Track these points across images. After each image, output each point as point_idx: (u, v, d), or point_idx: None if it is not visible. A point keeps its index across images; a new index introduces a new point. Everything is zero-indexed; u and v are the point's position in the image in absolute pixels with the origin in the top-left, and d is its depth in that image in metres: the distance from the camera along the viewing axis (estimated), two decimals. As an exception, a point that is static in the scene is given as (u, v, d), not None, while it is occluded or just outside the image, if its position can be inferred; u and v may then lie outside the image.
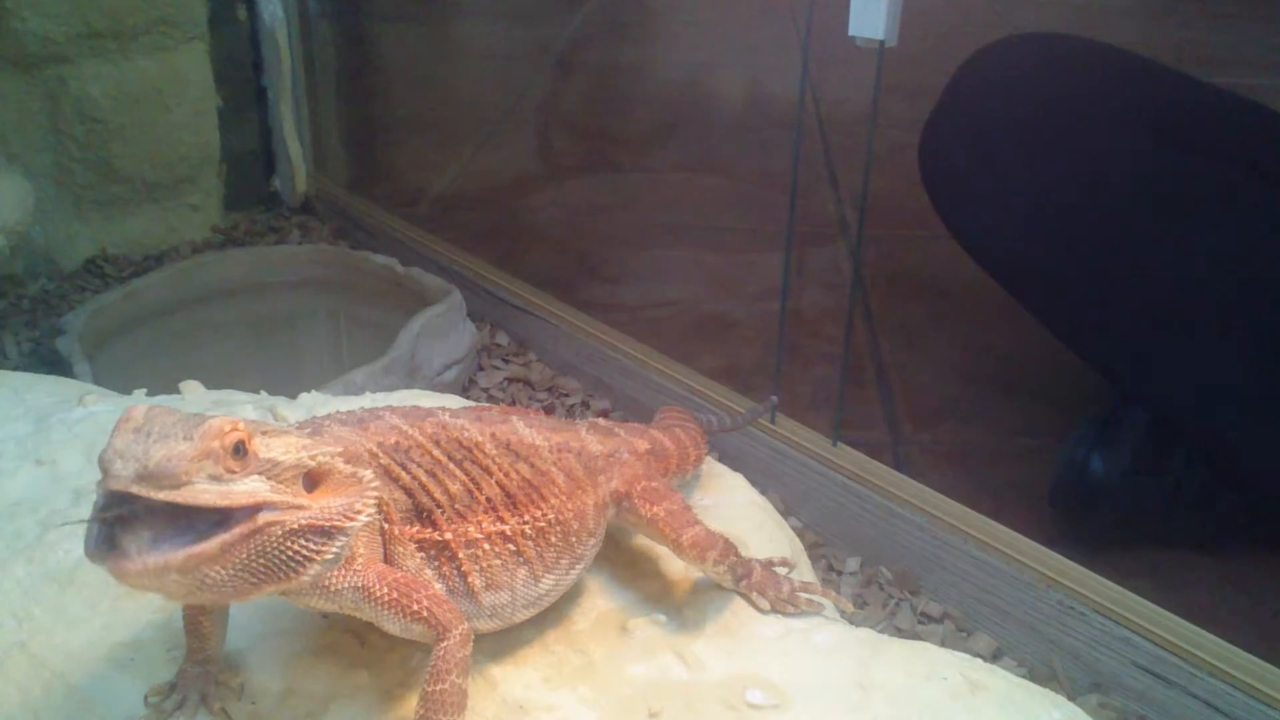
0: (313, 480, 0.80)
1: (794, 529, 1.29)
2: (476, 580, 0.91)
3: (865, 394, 2.27)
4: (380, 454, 0.88)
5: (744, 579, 1.06)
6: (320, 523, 0.78)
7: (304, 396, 1.39)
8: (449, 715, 0.83)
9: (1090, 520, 1.82)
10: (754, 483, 1.31)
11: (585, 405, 2.26)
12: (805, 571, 1.19)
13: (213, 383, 1.42)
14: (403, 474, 0.89)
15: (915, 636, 1.60)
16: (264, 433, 0.78)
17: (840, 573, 1.79)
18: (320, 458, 0.80)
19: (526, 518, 0.95)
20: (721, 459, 1.43)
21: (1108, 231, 1.81)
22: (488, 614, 0.93)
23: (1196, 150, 1.85)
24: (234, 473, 0.74)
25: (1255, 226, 1.79)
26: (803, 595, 1.07)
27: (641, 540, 1.11)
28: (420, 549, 0.89)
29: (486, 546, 0.92)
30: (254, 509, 0.74)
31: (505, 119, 3.91)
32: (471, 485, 0.92)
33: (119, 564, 0.70)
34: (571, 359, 2.34)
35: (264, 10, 2.90)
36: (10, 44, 2.47)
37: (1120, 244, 1.80)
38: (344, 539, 0.80)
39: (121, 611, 0.99)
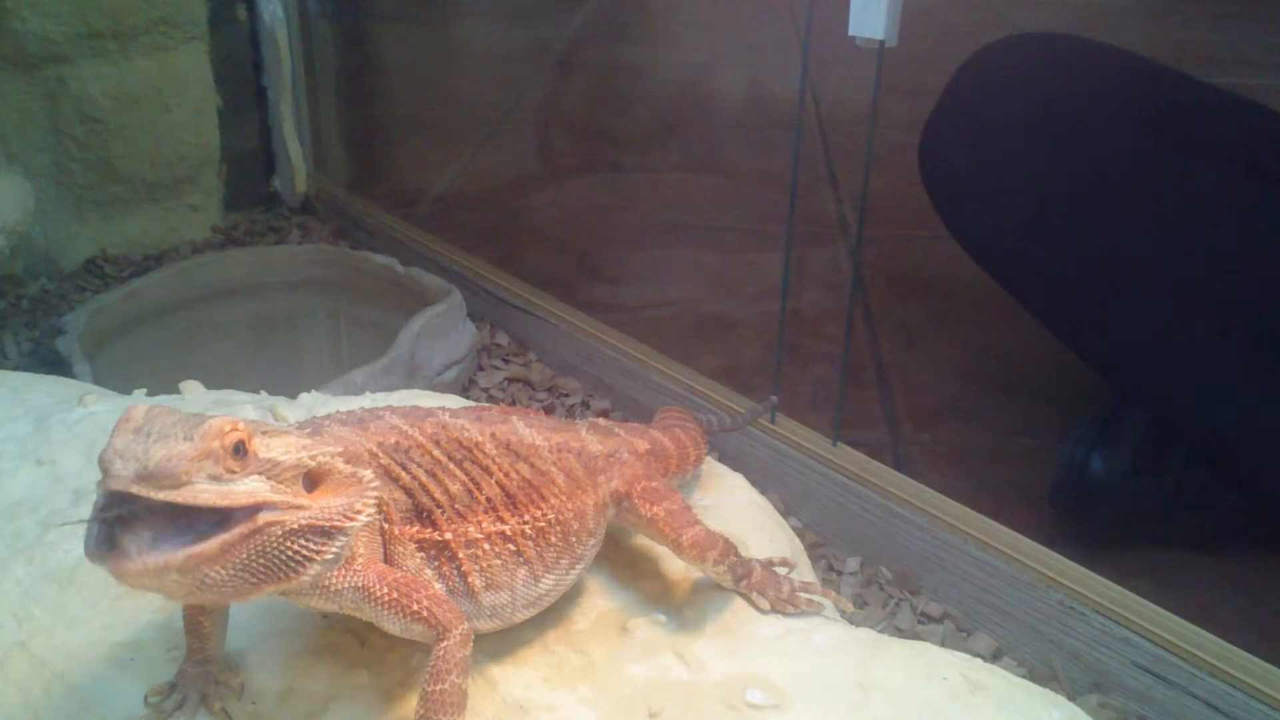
0: (313, 480, 0.80)
1: (794, 529, 1.29)
2: (476, 580, 0.91)
3: (865, 394, 2.27)
4: (380, 454, 0.88)
5: (744, 579, 1.06)
6: (320, 523, 0.78)
7: (304, 396, 1.39)
8: (449, 715, 0.83)
9: (1090, 520, 1.82)
10: (754, 483, 1.31)
11: (585, 405, 2.26)
12: (805, 571, 1.19)
13: (213, 383, 1.42)
14: (403, 474, 0.89)
15: (915, 636, 1.60)
16: (264, 433, 0.78)
17: (840, 573, 1.79)
18: (320, 458, 0.80)
19: (526, 518, 0.95)
20: (721, 459, 1.43)
21: (1108, 232, 1.81)
22: (488, 614, 0.93)
23: (1196, 150, 1.85)
24: (234, 473, 0.74)
25: (1255, 226, 1.79)
26: (803, 595, 1.07)
27: (641, 540, 1.11)
28: (420, 549, 0.89)
29: (486, 546, 0.92)
30: (254, 509, 0.74)
31: (505, 119, 3.91)
32: (471, 485, 0.92)
33: (119, 564, 0.70)
34: (571, 359, 2.34)
35: (264, 10, 2.90)
36: (10, 44, 2.47)
37: (1120, 244, 1.80)
38: (344, 539, 0.80)
39: (121, 611, 0.99)
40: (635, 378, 2.20)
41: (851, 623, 1.10)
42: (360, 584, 0.83)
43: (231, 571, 0.74)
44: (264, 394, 1.40)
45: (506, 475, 0.95)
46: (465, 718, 0.85)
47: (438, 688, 0.83)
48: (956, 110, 2.00)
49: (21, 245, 2.46)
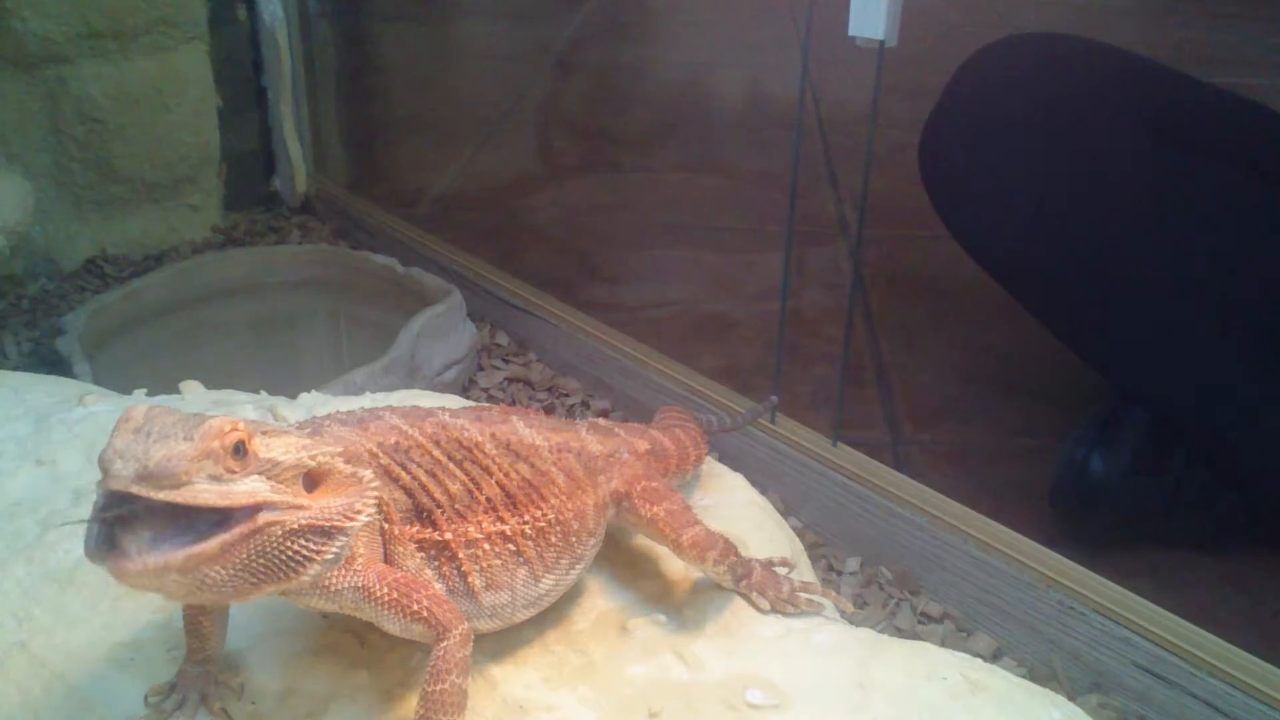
0: (313, 480, 0.80)
1: (794, 529, 1.29)
2: (476, 580, 0.91)
3: (865, 394, 2.27)
4: (380, 454, 0.88)
5: (744, 579, 1.06)
6: (320, 523, 0.78)
7: (304, 396, 1.39)
8: (449, 715, 0.83)
9: (1090, 520, 1.82)
10: (754, 483, 1.31)
11: (585, 405, 2.26)
12: (805, 571, 1.19)
13: (213, 383, 1.42)
14: (403, 474, 0.89)
15: (915, 636, 1.60)
16: (264, 433, 0.78)
17: (840, 573, 1.79)
18: (320, 458, 0.80)
19: (526, 518, 0.95)
20: (721, 459, 1.43)
21: (1107, 232, 1.81)
22: (488, 614, 0.93)
23: (1196, 150, 1.85)
24: (234, 473, 0.74)
25: (1255, 226, 1.79)
26: (803, 595, 1.07)
27: (641, 540, 1.11)
28: (420, 549, 0.89)
29: (486, 546, 0.92)
30: (254, 509, 0.74)
31: (505, 119, 3.91)
32: (471, 485, 0.92)
33: (119, 564, 0.70)
34: (571, 359, 2.34)
35: (264, 10, 2.90)
36: (10, 44, 2.47)
37: (1120, 244, 1.80)
38: (344, 539, 0.80)
39: (121, 611, 0.99)
40: (635, 378, 2.20)
41: (851, 623, 1.10)
42: (360, 584, 0.83)
43: (231, 571, 0.74)
44: (264, 394, 1.40)
45: (506, 475, 0.95)
46: (465, 718, 0.85)
47: (438, 688, 0.83)
48: (956, 110, 2.00)
49: (21, 245, 2.46)
